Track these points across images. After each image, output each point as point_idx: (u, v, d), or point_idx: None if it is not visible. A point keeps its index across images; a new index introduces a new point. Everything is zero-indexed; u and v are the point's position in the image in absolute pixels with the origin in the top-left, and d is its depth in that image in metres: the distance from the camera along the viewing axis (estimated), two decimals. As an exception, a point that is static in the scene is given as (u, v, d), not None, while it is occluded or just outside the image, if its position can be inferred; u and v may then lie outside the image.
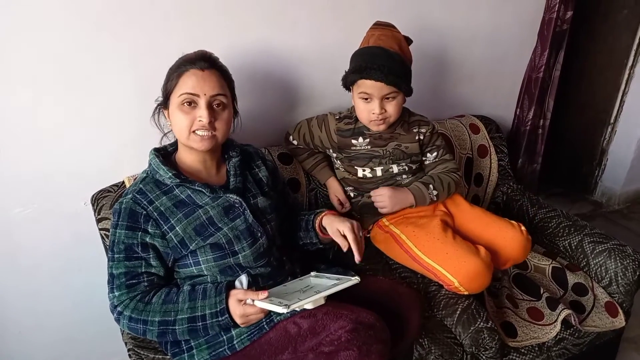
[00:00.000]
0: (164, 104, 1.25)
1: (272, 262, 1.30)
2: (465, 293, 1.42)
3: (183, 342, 1.22)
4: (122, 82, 1.46)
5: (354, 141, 1.56)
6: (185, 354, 1.22)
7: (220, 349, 1.20)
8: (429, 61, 1.51)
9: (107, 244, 1.37)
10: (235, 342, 1.19)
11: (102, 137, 1.50)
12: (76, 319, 1.70)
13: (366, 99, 1.45)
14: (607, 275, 1.62)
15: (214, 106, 1.21)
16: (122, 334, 1.41)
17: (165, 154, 1.29)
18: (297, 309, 1.07)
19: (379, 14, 1.59)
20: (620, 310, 1.58)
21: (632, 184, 3.05)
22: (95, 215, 1.45)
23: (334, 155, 1.62)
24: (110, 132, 1.50)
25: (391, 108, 1.46)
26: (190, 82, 1.17)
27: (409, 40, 1.50)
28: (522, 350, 1.45)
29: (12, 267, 1.54)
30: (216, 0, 1.49)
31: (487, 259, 1.41)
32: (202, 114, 1.18)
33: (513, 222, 1.57)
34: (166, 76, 1.24)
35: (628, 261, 1.59)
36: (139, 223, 1.17)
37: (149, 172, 1.25)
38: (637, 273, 1.58)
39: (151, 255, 1.18)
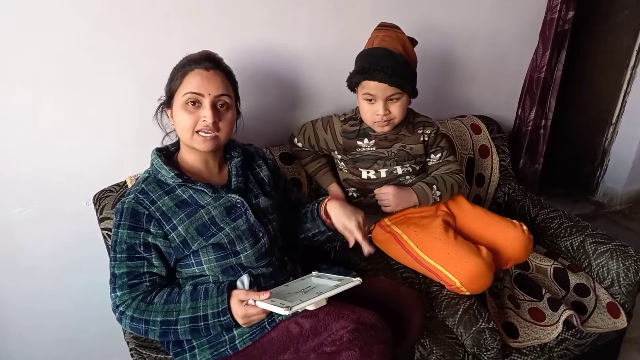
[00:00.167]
0: (167, 103, 1.25)
1: (273, 262, 1.29)
2: (467, 293, 1.42)
3: (185, 342, 1.22)
4: (122, 82, 1.46)
5: (359, 142, 1.55)
6: (187, 354, 1.22)
7: (222, 349, 1.20)
8: (430, 61, 1.51)
9: (110, 243, 1.37)
10: (237, 342, 1.19)
11: (103, 136, 1.50)
12: (77, 318, 1.70)
13: (370, 100, 1.45)
14: (609, 276, 1.62)
15: (218, 106, 1.21)
16: (124, 333, 1.41)
17: (167, 154, 1.29)
18: (299, 310, 1.07)
19: (380, 14, 1.59)
20: (622, 311, 1.58)
21: (634, 184, 3.05)
22: (97, 215, 1.45)
23: (339, 157, 1.62)
24: (111, 132, 1.50)
25: (395, 109, 1.46)
26: (195, 82, 1.17)
27: (413, 42, 1.50)
28: (524, 351, 1.45)
29: (12, 267, 1.54)
30: (216, 0, 1.49)
31: (488, 260, 1.41)
32: (206, 114, 1.18)
33: (514, 221, 1.57)
34: (170, 75, 1.24)
35: (630, 262, 1.58)
36: (141, 223, 1.17)
37: (151, 172, 1.25)
38: (639, 274, 1.58)
39: (153, 255, 1.18)
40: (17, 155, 1.42)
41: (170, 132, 1.33)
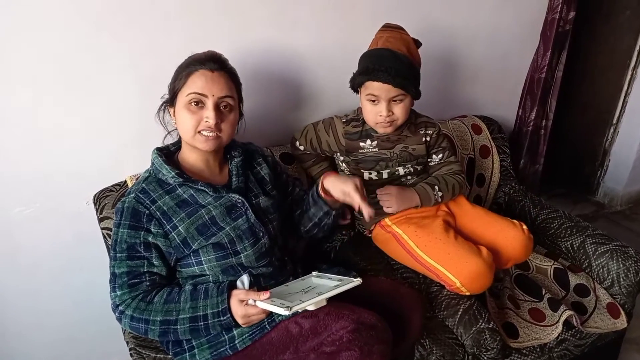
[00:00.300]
0: (170, 101, 1.25)
1: (273, 262, 1.30)
2: (467, 293, 1.42)
3: (184, 342, 1.22)
4: (122, 81, 1.46)
5: (362, 144, 1.55)
6: (187, 354, 1.22)
7: (222, 349, 1.20)
8: (431, 62, 1.51)
9: (110, 243, 1.37)
10: (236, 342, 1.19)
11: (103, 136, 1.50)
12: (77, 318, 1.70)
13: (373, 101, 1.44)
14: (609, 277, 1.62)
15: (221, 108, 1.21)
16: (124, 333, 1.41)
17: (168, 154, 1.30)
18: (299, 311, 1.07)
19: (381, 14, 1.59)
20: (622, 312, 1.58)
21: (635, 184, 3.05)
22: (97, 214, 1.46)
23: (341, 158, 1.61)
24: (111, 132, 1.50)
25: (398, 110, 1.45)
26: (200, 82, 1.18)
27: (417, 43, 1.49)
28: (524, 351, 1.45)
29: (13, 267, 1.54)
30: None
31: (488, 260, 1.41)
32: (209, 114, 1.18)
33: (514, 221, 1.57)
34: (174, 74, 1.24)
35: (630, 262, 1.58)
36: (141, 222, 1.17)
37: (151, 172, 1.25)
38: (639, 274, 1.57)
39: (153, 255, 1.18)
40: (18, 155, 1.42)
41: (172, 130, 1.33)
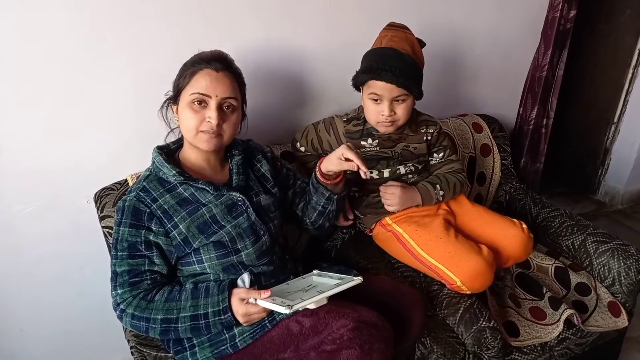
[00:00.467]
0: (174, 99, 1.25)
1: (274, 260, 1.30)
2: (468, 292, 1.42)
3: (185, 340, 1.23)
4: (123, 80, 1.46)
5: (363, 143, 1.55)
6: (188, 352, 1.22)
7: (223, 347, 1.20)
8: (432, 60, 1.50)
9: (110, 241, 1.37)
10: (237, 340, 1.19)
11: (104, 134, 1.50)
12: (77, 318, 1.70)
13: (376, 100, 1.44)
14: (610, 275, 1.62)
15: (224, 108, 1.21)
16: (125, 331, 1.41)
17: (169, 152, 1.30)
18: (300, 309, 1.07)
19: (382, 13, 1.59)
20: (623, 310, 1.58)
21: (636, 183, 3.04)
22: (98, 212, 1.46)
23: None
24: (112, 130, 1.50)
25: (400, 111, 1.45)
26: (204, 82, 1.17)
27: (422, 43, 1.48)
28: (525, 350, 1.45)
29: (14, 264, 1.54)
30: (217, -2, 1.50)
31: (489, 258, 1.41)
32: (211, 114, 1.18)
33: (514, 220, 1.57)
34: (179, 71, 1.24)
35: (631, 261, 1.58)
36: (142, 221, 1.18)
37: (152, 170, 1.25)
38: (640, 273, 1.58)
39: (154, 254, 1.18)
40: (19, 153, 1.42)
41: (175, 128, 1.33)
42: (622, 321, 1.56)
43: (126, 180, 1.49)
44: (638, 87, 2.79)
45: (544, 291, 1.56)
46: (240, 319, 1.14)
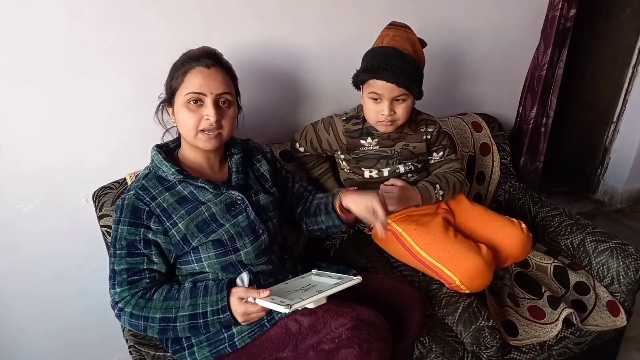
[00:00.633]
0: (169, 101, 1.24)
1: (273, 259, 1.30)
2: (467, 291, 1.42)
3: (184, 339, 1.22)
4: (122, 79, 1.45)
5: (362, 142, 1.54)
6: (186, 351, 1.22)
7: (221, 346, 1.20)
8: (431, 59, 1.50)
9: (109, 240, 1.37)
10: (236, 340, 1.19)
11: (104, 134, 1.50)
12: (76, 317, 1.70)
13: (376, 99, 1.43)
14: (609, 274, 1.62)
15: (220, 104, 1.20)
16: (123, 331, 1.41)
17: (168, 150, 1.29)
18: (299, 308, 1.07)
19: (382, 12, 1.59)
20: (621, 310, 1.58)
21: (635, 182, 3.05)
22: (96, 211, 1.45)
23: (342, 157, 1.60)
24: (110, 129, 1.50)
25: (400, 110, 1.44)
26: (197, 81, 1.17)
27: (423, 43, 1.47)
28: (523, 349, 1.45)
29: (12, 263, 1.54)
30: (217, -4, 1.49)
31: (488, 258, 1.41)
32: (209, 112, 1.17)
33: (514, 219, 1.57)
34: (170, 73, 1.23)
35: (630, 260, 1.58)
36: (141, 219, 1.17)
37: (151, 169, 1.25)
38: (639, 272, 1.57)
39: (153, 252, 1.18)
40: (18, 152, 1.42)
41: (170, 128, 1.32)
42: (621, 320, 1.56)
43: (125, 179, 1.49)
44: (638, 86, 2.79)
45: (543, 290, 1.56)
46: (239, 318, 1.14)
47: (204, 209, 1.21)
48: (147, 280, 1.18)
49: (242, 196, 1.25)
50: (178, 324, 1.15)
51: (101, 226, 1.44)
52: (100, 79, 1.43)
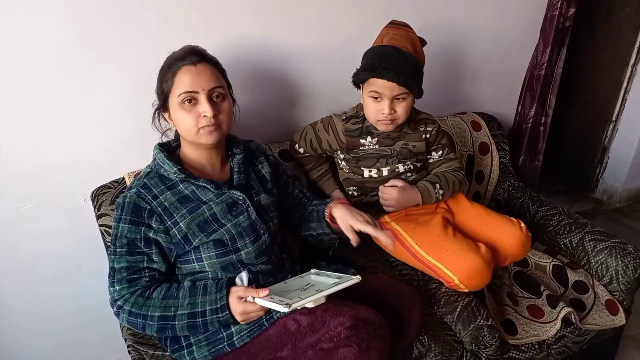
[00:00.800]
0: (163, 106, 1.24)
1: (272, 259, 1.30)
2: (465, 290, 1.42)
3: (183, 339, 1.22)
4: (120, 78, 1.45)
5: (362, 141, 1.54)
6: (185, 350, 1.22)
7: (220, 346, 1.20)
8: (430, 58, 1.50)
9: (108, 239, 1.37)
10: (234, 339, 1.19)
11: (102, 133, 1.50)
12: (75, 317, 1.70)
13: (376, 98, 1.43)
14: (608, 273, 1.62)
15: (214, 99, 1.20)
16: (122, 330, 1.41)
17: (170, 149, 1.29)
18: (298, 308, 1.07)
19: (381, 11, 1.59)
20: (620, 308, 1.58)
21: (634, 181, 3.05)
22: (95, 211, 1.45)
23: (341, 156, 1.60)
24: (109, 128, 1.50)
25: (400, 109, 1.44)
26: (187, 80, 1.17)
27: (423, 42, 1.47)
28: (522, 348, 1.45)
29: (11, 263, 1.54)
30: (216, -4, 1.49)
31: (487, 257, 1.41)
32: (205, 109, 1.17)
33: (513, 219, 1.57)
34: (158, 78, 1.23)
35: (629, 259, 1.58)
36: (142, 218, 1.17)
37: (153, 167, 1.25)
38: (638, 271, 1.58)
39: (154, 251, 1.18)
40: (17, 151, 1.42)
41: (167, 130, 1.32)
42: (620, 319, 1.57)
43: (123, 178, 1.49)
44: (637, 85, 2.79)
45: (542, 289, 1.56)
46: (238, 318, 1.14)
47: (205, 208, 1.21)
48: (147, 279, 1.18)
49: (244, 196, 1.25)
50: (177, 323, 1.15)
51: (100, 225, 1.44)
52: (100, 79, 1.43)
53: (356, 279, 1.16)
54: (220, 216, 1.21)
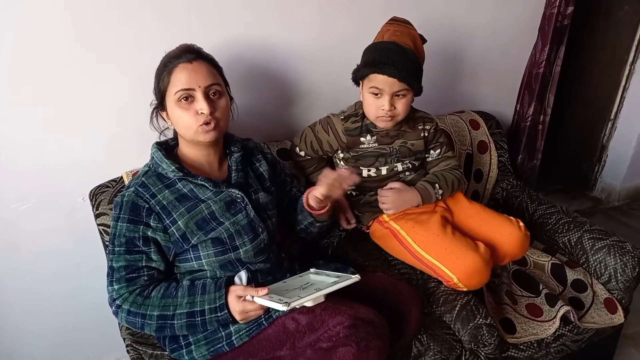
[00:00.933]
0: (161, 105, 1.24)
1: (271, 258, 1.29)
2: (464, 289, 1.42)
3: (181, 338, 1.22)
4: (119, 77, 1.45)
5: (362, 139, 1.54)
6: (184, 350, 1.22)
7: (219, 345, 1.20)
8: (429, 56, 1.50)
9: (106, 238, 1.36)
10: (233, 338, 1.19)
11: (101, 132, 1.49)
12: (74, 316, 1.69)
13: (376, 94, 1.43)
14: (607, 272, 1.62)
15: (211, 96, 1.20)
16: (121, 329, 1.41)
17: (168, 148, 1.29)
18: (297, 307, 1.07)
19: (379, 10, 1.58)
20: (619, 307, 1.58)
21: (632, 180, 3.05)
22: (93, 210, 1.45)
23: (341, 155, 1.60)
24: (108, 128, 1.50)
25: (400, 106, 1.44)
26: (183, 77, 1.17)
27: (423, 39, 1.47)
28: (521, 347, 1.45)
29: (10, 262, 1.54)
30: (215, -5, 1.49)
31: (486, 255, 1.41)
32: (201, 106, 1.17)
33: (511, 218, 1.57)
34: (155, 77, 1.23)
35: (627, 257, 1.58)
36: (141, 216, 1.17)
37: (151, 166, 1.25)
38: (637, 269, 1.58)
39: (152, 250, 1.18)
40: (16, 151, 1.41)
41: (165, 129, 1.32)
42: (618, 318, 1.57)
43: (122, 177, 1.48)
44: (635, 84, 2.79)
45: (541, 288, 1.57)
46: (237, 317, 1.14)
47: (203, 206, 1.21)
48: (145, 278, 1.18)
49: (242, 194, 1.25)
50: (175, 322, 1.15)
51: (98, 224, 1.44)
52: (100, 79, 1.43)
53: (355, 278, 1.16)
54: (218, 214, 1.21)
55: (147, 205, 1.17)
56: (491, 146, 2.01)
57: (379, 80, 1.40)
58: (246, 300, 1.12)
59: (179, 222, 1.18)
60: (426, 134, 1.58)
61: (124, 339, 1.37)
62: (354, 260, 1.59)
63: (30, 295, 1.61)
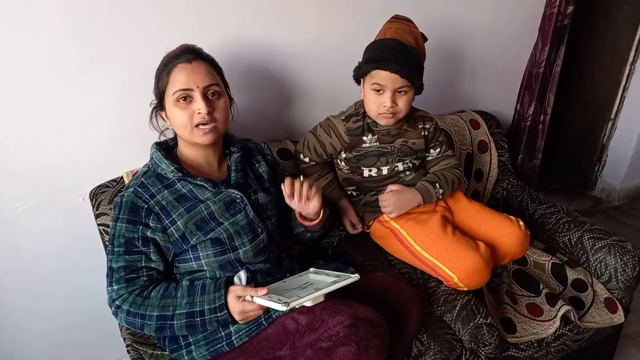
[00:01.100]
0: (159, 105, 1.24)
1: (271, 258, 1.29)
2: (465, 289, 1.42)
3: (181, 338, 1.22)
4: (119, 77, 1.45)
5: (364, 138, 1.53)
6: (184, 350, 1.22)
7: (219, 345, 1.20)
8: (429, 56, 1.50)
9: (106, 238, 1.36)
10: (233, 338, 1.19)
11: (101, 132, 1.49)
12: (74, 315, 1.69)
13: (378, 90, 1.43)
14: (607, 271, 1.62)
15: (209, 96, 1.20)
16: (121, 329, 1.41)
17: (167, 148, 1.29)
18: (297, 307, 1.06)
19: (379, 10, 1.58)
20: (619, 307, 1.58)
21: (632, 180, 3.05)
22: (93, 210, 1.45)
23: (343, 156, 1.59)
24: (108, 127, 1.50)
25: (402, 103, 1.44)
26: (182, 77, 1.17)
27: (424, 37, 1.48)
28: (522, 346, 1.45)
29: (10, 262, 1.54)
30: (214, -5, 1.49)
31: (486, 255, 1.41)
32: (199, 106, 1.17)
33: (511, 217, 1.56)
34: (155, 77, 1.23)
35: (628, 257, 1.58)
36: (140, 217, 1.17)
37: (150, 166, 1.24)
38: (637, 269, 1.58)
39: (151, 250, 1.18)
40: (15, 151, 1.41)
41: (165, 130, 1.32)
42: (619, 317, 1.57)
43: (122, 177, 1.48)
44: (635, 83, 2.79)
45: (541, 288, 1.57)
46: (237, 317, 1.13)
47: (202, 207, 1.21)
48: (145, 278, 1.18)
49: (241, 195, 1.25)
50: (175, 322, 1.14)
51: (98, 225, 1.44)
52: (99, 78, 1.43)
53: (355, 277, 1.16)
54: (217, 215, 1.21)
55: (146, 206, 1.17)
56: (491, 146, 2.01)
57: (381, 76, 1.40)
58: (246, 300, 1.11)
59: (178, 223, 1.18)
60: (426, 133, 1.58)
61: (125, 339, 1.37)
62: (354, 259, 1.59)
63: (30, 295, 1.61)
